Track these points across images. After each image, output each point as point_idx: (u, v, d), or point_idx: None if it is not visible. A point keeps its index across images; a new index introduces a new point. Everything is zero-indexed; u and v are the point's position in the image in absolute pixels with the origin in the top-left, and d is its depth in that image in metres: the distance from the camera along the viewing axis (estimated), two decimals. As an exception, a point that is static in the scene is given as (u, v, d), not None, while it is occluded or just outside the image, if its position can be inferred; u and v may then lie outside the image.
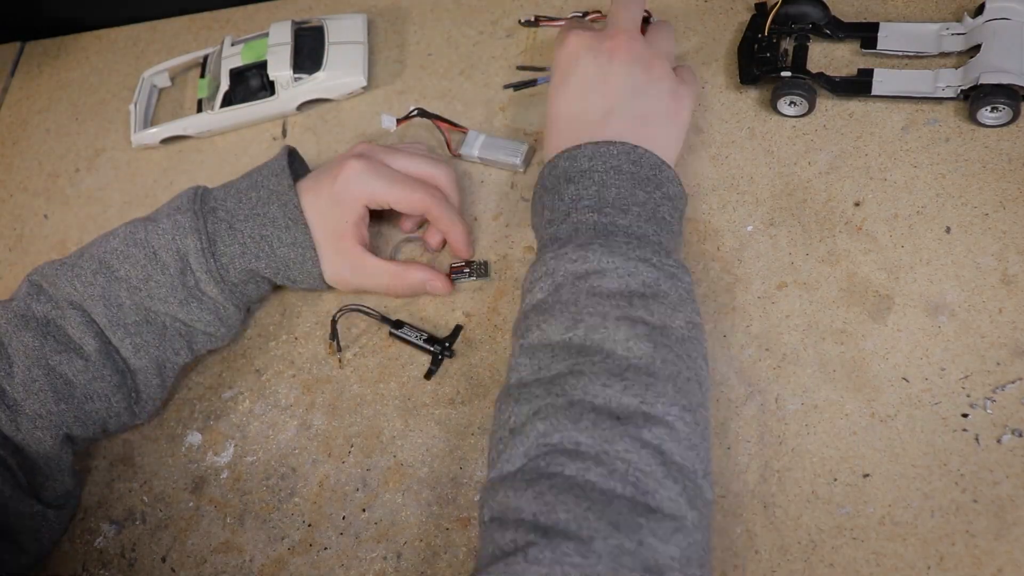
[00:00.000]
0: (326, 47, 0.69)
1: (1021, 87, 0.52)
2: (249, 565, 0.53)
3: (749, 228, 0.55)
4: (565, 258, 0.46)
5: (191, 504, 0.56)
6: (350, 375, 0.58)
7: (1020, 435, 0.46)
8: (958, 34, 0.57)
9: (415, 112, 0.64)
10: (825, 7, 0.60)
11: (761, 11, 0.62)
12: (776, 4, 0.60)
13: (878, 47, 0.58)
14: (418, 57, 0.71)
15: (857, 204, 0.55)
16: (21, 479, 0.52)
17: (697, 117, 0.60)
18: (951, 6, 0.59)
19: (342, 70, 0.68)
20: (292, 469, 0.56)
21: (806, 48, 0.60)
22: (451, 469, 0.53)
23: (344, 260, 0.56)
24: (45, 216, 0.74)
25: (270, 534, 0.54)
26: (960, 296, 0.50)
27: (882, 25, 0.59)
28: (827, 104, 0.58)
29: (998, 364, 0.48)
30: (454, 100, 0.68)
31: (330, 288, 0.59)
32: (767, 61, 0.59)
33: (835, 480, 0.47)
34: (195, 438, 0.58)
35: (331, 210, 0.56)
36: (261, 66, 0.68)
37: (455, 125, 0.64)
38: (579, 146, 0.50)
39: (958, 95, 0.55)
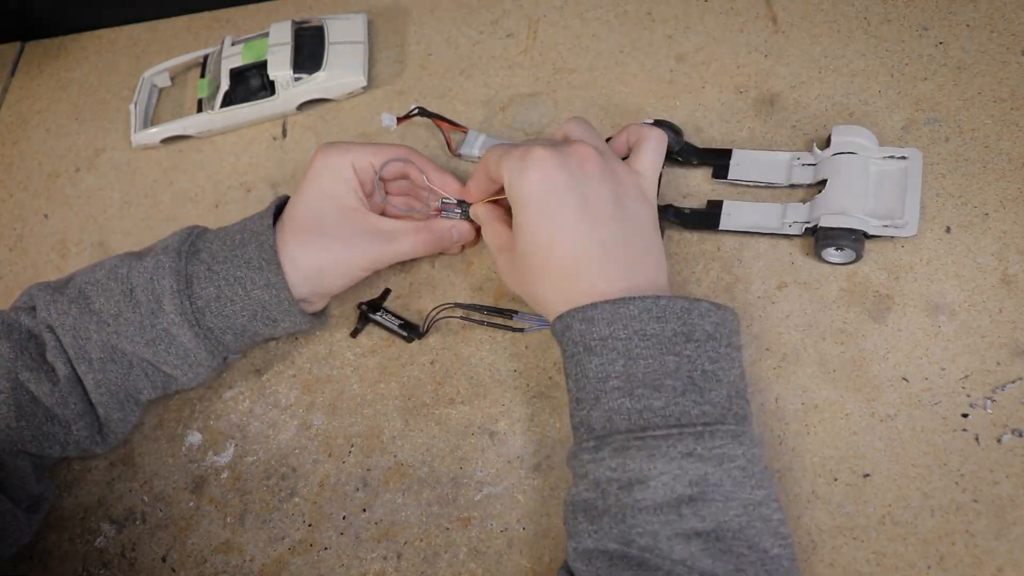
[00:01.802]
0: (326, 47, 0.69)
1: (860, 230, 0.51)
2: (249, 565, 0.53)
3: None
4: (603, 465, 0.43)
5: (191, 504, 0.56)
6: (350, 375, 0.58)
7: (1020, 435, 0.46)
8: (808, 165, 0.56)
9: (416, 111, 0.63)
10: (679, 132, 0.59)
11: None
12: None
13: (729, 176, 0.58)
14: (418, 57, 0.71)
15: (857, 204, 0.55)
16: None
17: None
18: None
19: (342, 70, 0.68)
20: (292, 469, 0.56)
21: (660, 175, 0.58)
22: (451, 469, 0.53)
23: (359, 233, 0.54)
24: (45, 216, 0.74)
25: (270, 534, 0.54)
26: (960, 296, 0.50)
27: (735, 152, 0.58)
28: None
29: (998, 364, 0.48)
30: (454, 100, 0.68)
31: (315, 325, 0.57)
32: None
33: (835, 480, 0.47)
34: (195, 438, 0.58)
35: (324, 186, 0.54)
36: (261, 66, 0.68)
37: (455, 125, 0.64)
38: (594, 305, 0.44)
39: (803, 232, 0.54)
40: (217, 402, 0.59)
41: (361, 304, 0.59)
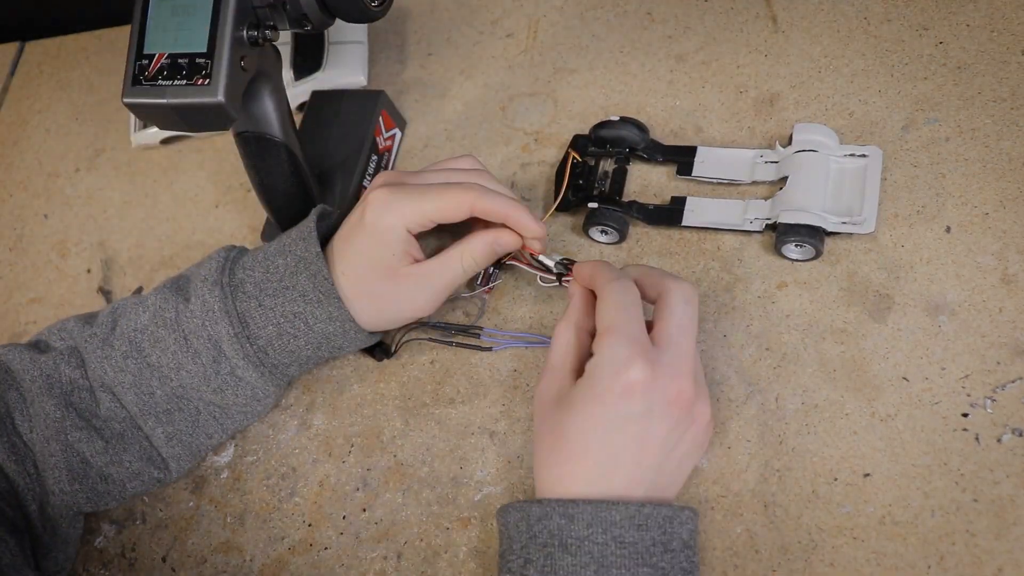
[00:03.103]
0: (326, 47, 0.69)
1: (819, 226, 0.51)
2: (249, 565, 0.53)
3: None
4: None
5: (191, 504, 0.56)
6: (350, 375, 0.58)
7: (1020, 434, 0.46)
8: (771, 162, 0.56)
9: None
10: (644, 130, 0.59)
11: (580, 138, 0.62)
12: (572, 157, 0.59)
13: (693, 173, 0.58)
14: (418, 57, 0.71)
15: (857, 204, 0.55)
16: (27, 546, 0.49)
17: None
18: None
19: (342, 70, 0.68)
20: (292, 469, 0.56)
21: (625, 171, 0.59)
22: (451, 469, 0.53)
23: (411, 290, 0.51)
24: (45, 216, 0.74)
25: (270, 534, 0.54)
26: (960, 296, 0.50)
27: (699, 150, 0.59)
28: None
29: (998, 363, 0.48)
30: (454, 100, 0.68)
31: (381, 335, 0.56)
32: (581, 188, 0.59)
33: (835, 479, 0.47)
34: (195, 438, 0.58)
35: (372, 251, 0.50)
36: (261, 66, 0.68)
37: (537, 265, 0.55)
38: (576, 502, 0.42)
39: (764, 229, 0.54)
40: (217, 402, 0.59)
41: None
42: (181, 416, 0.52)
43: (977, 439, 0.46)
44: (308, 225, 0.51)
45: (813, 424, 0.49)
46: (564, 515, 0.42)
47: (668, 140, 0.61)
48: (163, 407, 0.51)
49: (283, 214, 0.58)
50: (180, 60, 0.48)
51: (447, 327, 0.57)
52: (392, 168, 0.66)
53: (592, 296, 0.48)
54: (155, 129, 0.72)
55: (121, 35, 0.84)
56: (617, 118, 0.59)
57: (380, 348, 0.57)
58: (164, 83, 0.48)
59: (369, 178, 0.64)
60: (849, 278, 0.52)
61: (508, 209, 0.50)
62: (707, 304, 0.54)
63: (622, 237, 0.57)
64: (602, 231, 0.57)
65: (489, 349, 0.56)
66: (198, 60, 0.47)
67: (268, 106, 0.53)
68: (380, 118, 0.64)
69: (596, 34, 0.68)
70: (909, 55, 0.59)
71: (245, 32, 0.48)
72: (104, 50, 0.83)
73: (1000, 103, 0.56)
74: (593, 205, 0.57)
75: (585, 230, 0.57)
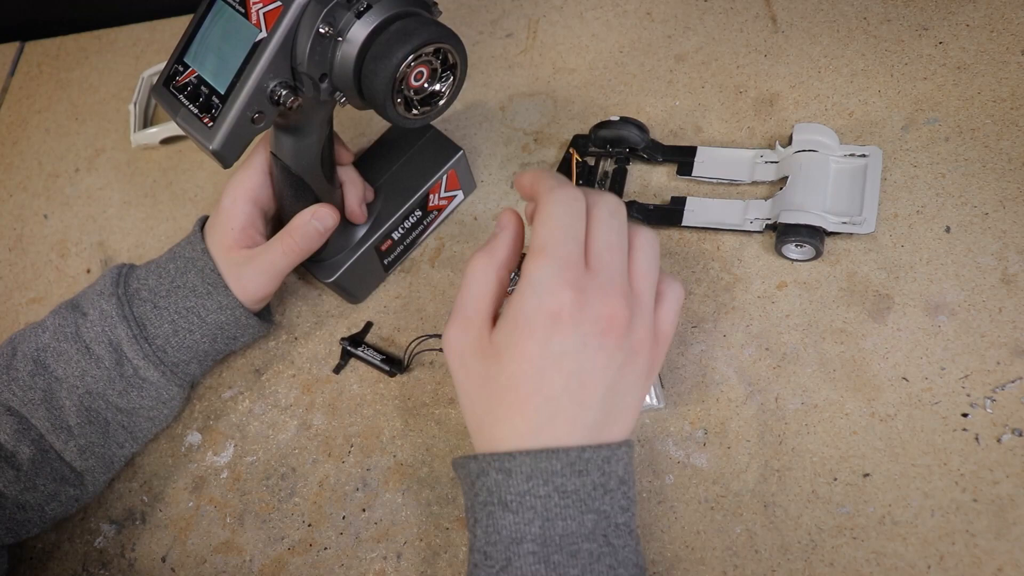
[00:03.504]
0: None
1: (819, 227, 0.51)
2: (249, 565, 0.53)
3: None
4: None
5: (191, 504, 0.56)
6: (349, 375, 0.58)
7: (1020, 434, 0.46)
8: (771, 162, 0.57)
9: None
10: (644, 130, 0.59)
11: (580, 138, 0.62)
12: (574, 159, 0.59)
13: (693, 173, 0.58)
14: (418, 57, 0.71)
15: (857, 204, 0.55)
16: None
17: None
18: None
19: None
20: (292, 469, 0.56)
21: (625, 172, 0.59)
22: (451, 469, 0.53)
23: (246, 271, 0.53)
24: (45, 216, 0.74)
25: (270, 534, 0.54)
26: (960, 295, 0.50)
27: (699, 150, 0.59)
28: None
29: (998, 363, 0.48)
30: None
31: (272, 324, 0.58)
32: (582, 188, 0.58)
33: (835, 479, 0.47)
34: (195, 438, 0.58)
35: (221, 226, 0.53)
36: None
37: None
38: (512, 455, 0.39)
39: (764, 229, 0.54)
40: (216, 402, 0.59)
41: (343, 340, 0.58)
42: (92, 428, 0.52)
43: (977, 439, 0.46)
44: (194, 230, 0.55)
45: (813, 424, 0.49)
46: (501, 470, 0.39)
47: (668, 140, 0.61)
48: (74, 420, 0.51)
49: None
50: (203, 88, 0.46)
51: None
52: (437, 228, 0.62)
53: (522, 234, 0.44)
54: (155, 129, 0.72)
55: (121, 35, 0.84)
56: (617, 118, 0.59)
57: (393, 362, 0.57)
58: (183, 100, 0.47)
59: (401, 231, 0.59)
60: (849, 278, 0.52)
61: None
62: (707, 304, 0.54)
63: None
64: None
65: None
66: (213, 99, 0.45)
67: (300, 144, 0.51)
68: (445, 176, 0.59)
69: (596, 34, 0.68)
70: (909, 55, 0.59)
71: (271, 86, 0.44)
72: (104, 50, 0.83)
73: (1000, 103, 0.56)
74: None
75: None
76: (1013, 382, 0.47)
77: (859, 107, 0.58)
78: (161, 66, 0.76)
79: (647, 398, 0.50)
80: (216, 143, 0.45)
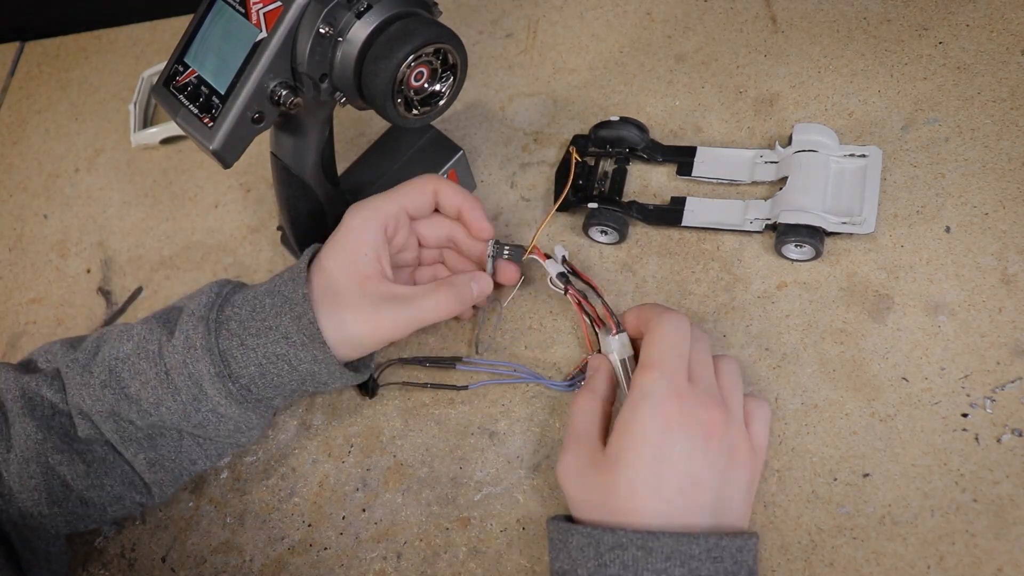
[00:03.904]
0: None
1: (819, 227, 0.52)
2: (249, 565, 0.53)
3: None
4: None
5: (191, 504, 0.56)
6: (350, 375, 0.58)
7: (1020, 434, 0.46)
8: (771, 162, 0.57)
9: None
10: (644, 130, 0.59)
11: (580, 138, 0.61)
12: (573, 159, 0.59)
13: (693, 173, 0.58)
14: (418, 57, 0.71)
15: (857, 204, 0.55)
16: (14, 559, 0.49)
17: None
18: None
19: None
20: (292, 469, 0.56)
21: (625, 172, 0.59)
22: (451, 469, 0.53)
23: (378, 306, 0.49)
24: (45, 216, 0.74)
25: (270, 534, 0.54)
26: (960, 296, 0.50)
27: (699, 150, 0.59)
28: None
29: (998, 363, 0.48)
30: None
31: (370, 371, 0.54)
32: (581, 188, 0.58)
33: (835, 480, 0.47)
34: (195, 438, 0.58)
35: (343, 260, 0.49)
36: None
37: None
38: (655, 534, 0.40)
39: (764, 229, 0.54)
40: (217, 402, 0.59)
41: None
42: (163, 442, 0.50)
43: (977, 439, 0.46)
44: (300, 266, 0.50)
45: (813, 424, 0.49)
46: (642, 547, 0.40)
47: (667, 140, 0.61)
48: (144, 434, 0.50)
49: (295, 230, 0.57)
50: (203, 88, 0.46)
51: (422, 360, 0.56)
52: None
53: (613, 373, 0.49)
54: (155, 129, 0.72)
55: (120, 35, 0.84)
56: (617, 118, 0.59)
57: (365, 386, 0.56)
58: (183, 100, 0.46)
59: None
60: (849, 278, 0.52)
61: (468, 200, 0.52)
62: (707, 304, 0.54)
63: (622, 237, 0.57)
64: (602, 231, 0.57)
65: (465, 387, 0.55)
66: (214, 99, 0.45)
67: (300, 143, 0.50)
68: (445, 176, 0.59)
69: (596, 34, 0.68)
70: (909, 55, 0.59)
71: (271, 86, 0.44)
72: (104, 50, 0.83)
73: (1000, 103, 0.56)
74: (593, 205, 0.57)
75: (585, 230, 0.57)
76: (1013, 382, 0.47)
77: (859, 107, 0.58)
78: (161, 66, 0.76)
79: None
80: (216, 143, 0.45)
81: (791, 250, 0.53)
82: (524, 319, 0.57)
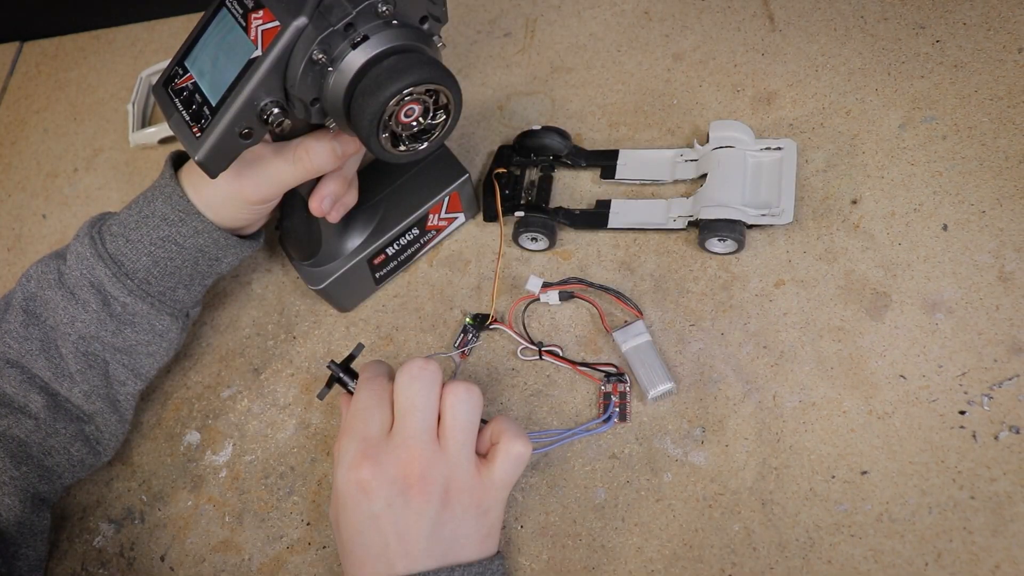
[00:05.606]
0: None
1: (739, 220, 0.52)
2: (248, 564, 0.53)
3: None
4: None
5: (190, 503, 0.56)
6: (348, 374, 0.58)
7: (1017, 432, 0.46)
8: (691, 160, 0.57)
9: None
10: (567, 137, 0.60)
11: (505, 149, 0.62)
12: (494, 169, 0.60)
13: (616, 176, 0.59)
14: (416, 56, 0.71)
15: (854, 202, 0.55)
16: None
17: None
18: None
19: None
20: (291, 468, 0.56)
21: (551, 179, 0.60)
22: (449, 467, 0.53)
23: (245, 171, 0.49)
24: (44, 216, 0.74)
25: (269, 533, 0.54)
26: (957, 293, 0.50)
27: (621, 153, 0.60)
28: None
29: (995, 361, 0.48)
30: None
31: (260, 243, 0.56)
32: (508, 198, 0.59)
33: (833, 477, 0.47)
34: (194, 437, 0.58)
35: None
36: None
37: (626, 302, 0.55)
38: None
39: (687, 226, 0.55)
40: (215, 401, 0.59)
41: (331, 363, 0.51)
42: (93, 372, 0.53)
43: (974, 436, 0.46)
44: (165, 162, 0.53)
45: (810, 422, 0.49)
46: None
47: (667, 139, 0.61)
48: (74, 366, 0.52)
49: (288, 239, 0.57)
50: (197, 96, 0.45)
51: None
52: (434, 247, 0.62)
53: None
54: (153, 129, 0.72)
55: (119, 35, 0.84)
56: (540, 127, 0.60)
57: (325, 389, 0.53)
58: (177, 104, 0.46)
59: (396, 247, 0.58)
60: (846, 276, 0.52)
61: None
62: (705, 302, 0.54)
63: (552, 243, 0.58)
64: (532, 239, 0.58)
65: None
66: (205, 109, 0.44)
67: None
68: (447, 198, 0.58)
69: (593, 33, 0.68)
70: (906, 54, 0.60)
71: (261, 105, 0.44)
72: (102, 50, 0.83)
73: (997, 101, 0.56)
74: (520, 214, 0.57)
75: (515, 239, 0.58)
76: (1010, 379, 0.47)
77: (856, 105, 0.58)
78: (160, 66, 0.76)
79: (661, 385, 0.50)
80: (200, 155, 0.44)
81: (715, 244, 0.54)
82: (533, 384, 0.57)
